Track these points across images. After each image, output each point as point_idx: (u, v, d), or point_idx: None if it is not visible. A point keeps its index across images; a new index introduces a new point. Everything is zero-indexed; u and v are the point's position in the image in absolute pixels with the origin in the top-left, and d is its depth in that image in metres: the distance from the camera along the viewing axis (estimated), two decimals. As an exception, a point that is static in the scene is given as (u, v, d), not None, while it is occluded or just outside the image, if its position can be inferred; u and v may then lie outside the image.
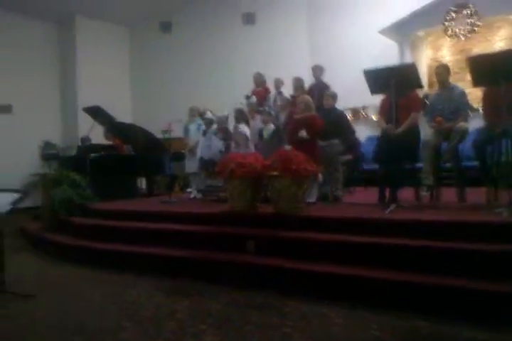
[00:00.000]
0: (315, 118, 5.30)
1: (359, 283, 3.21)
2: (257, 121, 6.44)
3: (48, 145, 10.43)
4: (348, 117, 8.33)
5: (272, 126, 5.78)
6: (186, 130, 7.32)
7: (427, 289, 2.95)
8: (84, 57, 11.51)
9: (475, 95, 7.33)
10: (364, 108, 9.85)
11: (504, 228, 3.26)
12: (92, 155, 7.32)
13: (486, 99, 4.65)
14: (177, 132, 7.33)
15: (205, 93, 10.52)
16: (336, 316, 2.89)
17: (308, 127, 5.19)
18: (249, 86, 7.45)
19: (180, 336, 2.65)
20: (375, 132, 7.63)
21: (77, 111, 10.51)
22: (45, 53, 11.41)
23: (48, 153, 10.10)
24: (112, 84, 11.88)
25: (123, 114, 10.22)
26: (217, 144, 6.42)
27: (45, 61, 11.40)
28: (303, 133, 5.13)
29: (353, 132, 7.21)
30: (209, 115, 6.83)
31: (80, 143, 9.03)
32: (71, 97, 11.46)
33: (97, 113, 8.19)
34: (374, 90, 4.73)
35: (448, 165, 5.05)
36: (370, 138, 8.82)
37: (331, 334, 2.61)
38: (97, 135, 8.73)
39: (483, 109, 4.74)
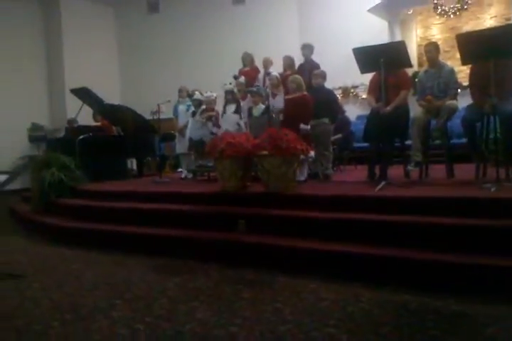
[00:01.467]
0: (307, 98, 5.29)
1: (349, 259, 3.24)
2: (247, 101, 6.41)
3: (35, 127, 10.32)
4: (338, 96, 8.33)
5: (262, 106, 5.75)
6: (175, 111, 7.28)
7: (417, 264, 2.99)
8: (70, 38, 11.34)
9: (464, 73, 7.33)
10: (354, 87, 9.84)
11: (492, 203, 3.30)
12: (81, 136, 7.25)
13: (474, 76, 4.66)
14: (166, 113, 7.29)
15: (194, 73, 10.42)
16: (326, 291, 2.92)
17: (301, 108, 5.19)
18: (238, 66, 7.38)
19: (172, 313, 2.68)
20: (365, 111, 7.64)
21: (64, 93, 10.37)
22: (31, 35, 11.20)
23: (36, 135, 10.02)
24: (100, 65, 11.73)
25: (111, 95, 10.10)
26: (208, 125, 6.38)
27: (31, 42, 11.19)
28: (303, 126, 5.13)
29: (343, 111, 7.22)
30: (198, 96, 6.78)
31: (67, 125, 8.94)
32: (58, 79, 11.29)
33: (84, 94, 8.08)
34: (363, 69, 4.71)
35: (437, 142, 5.09)
36: (360, 117, 8.85)
37: (321, 308, 2.65)
38: (86, 117, 8.66)
39: (470, 86, 4.75)
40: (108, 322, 2.57)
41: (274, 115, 5.69)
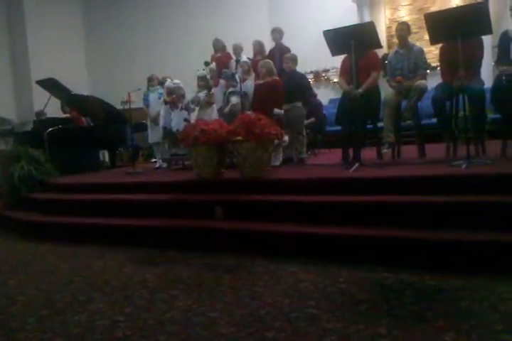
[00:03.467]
0: (277, 83, 5.26)
1: (326, 241, 3.27)
2: (220, 87, 6.36)
3: (1, 121, 10.03)
4: (310, 80, 8.32)
5: (237, 90, 5.72)
6: (146, 100, 7.16)
7: (392, 242, 3.03)
8: (34, 24, 10.94)
9: (433, 54, 7.42)
10: (325, 71, 9.85)
11: (463, 180, 3.36)
12: (49, 129, 7.08)
13: (443, 55, 4.71)
14: (137, 103, 7.16)
15: (165, 61, 10.29)
16: (304, 273, 2.95)
17: (272, 93, 5.16)
18: (209, 52, 7.29)
19: (151, 303, 2.65)
20: (337, 95, 7.65)
21: (31, 85, 10.07)
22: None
23: (3, 129, 9.74)
24: (67, 55, 11.44)
25: (79, 86, 9.88)
26: (181, 113, 6.31)
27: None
28: (276, 111, 5.11)
29: (314, 95, 7.23)
30: (170, 83, 6.67)
31: (35, 118, 8.72)
32: (23, 69, 10.96)
33: (51, 86, 7.87)
34: (334, 51, 4.71)
35: (408, 122, 5.14)
36: (332, 101, 8.88)
37: (300, 290, 2.66)
38: (54, 109, 8.45)
39: (440, 65, 4.80)
40: (87, 315, 2.53)
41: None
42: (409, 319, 2.15)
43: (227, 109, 5.91)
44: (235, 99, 5.76)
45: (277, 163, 5.15)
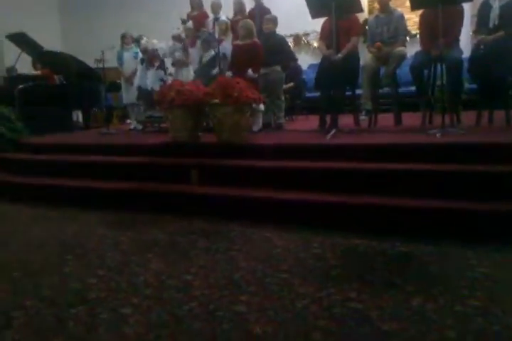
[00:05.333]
0: (257, 46, 5.13)
1: (301, 207, 3.30)
2: (197, 48, 6.19)
3: (-31, 76, 9.62)
4: (290, 44, 8.16)
5: (212, 52, 5.57)
6: (120, 59, 6.92)
7: (364, 209, 3.08)
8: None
9: (413, 21, 7.33)
10: (305, 35, 9.67)
11: (437, 148, 3.40)
12: (20, 86, 6.83)
13: (423, 22, 4.67)
14: (112, 61, 6.93)
15: (140, 19, 9.94)
16: (279, 239, 2.98)
17: (251, 56, 5.05)
18: (185, 10, 7.04)
19: (125, 265, 2.66)
20: (317, 60, 7.55)
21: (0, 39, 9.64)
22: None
23: (-29, 86, 9.35)
24: (38, 9, 10.90)
25: (51, 42, 9.46)
26: (157, 72, 6.15)
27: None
28: (250, 73, 5.00)
29: (295, 59, 7.12)
30: (145, 42, 6.46)
31: (5, 74, 8.39)
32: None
33: (22, 40, 7.54)
34: (314, 14, 4.61)
35: (386, 89, 5.14)
36: (311, 66, 8.76)
37: (274, 254, 2.70)
38: (24, 65, 8.13)
39: (419, 33, 4.76)
40: (59, 277, 2.53)
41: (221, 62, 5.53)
42: (379, 284, 2.21)
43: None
44: (214, 72, 5.57)
45: (256, 129, 5.11)
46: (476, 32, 4.70)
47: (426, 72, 4.64)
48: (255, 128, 5.10)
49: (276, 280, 2.33)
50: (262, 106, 5.10)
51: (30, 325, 1.99)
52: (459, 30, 4.52)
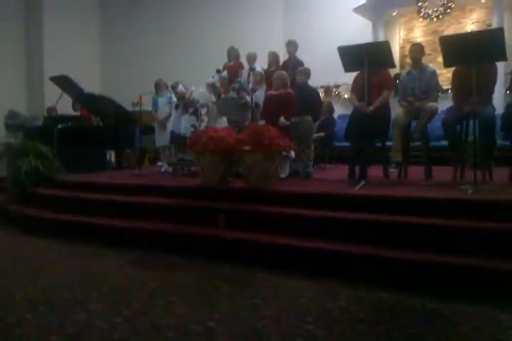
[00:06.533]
0: (291, 96, 5.28)
1: (327, 257, 3.27)
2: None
3: (12, 114, 10.05)
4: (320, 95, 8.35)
5: (247, 99, 5.75)
6: (155, 104, 7.18)
7: (394, 263, 3.03)
8: (51, 24, 11.06)
9: (444, 77, 7.44)
10: (336, 86, 9.89)
11: (469, 204, 3.36)
12: (59, 125, 7.12)
13: (456, 79, 4.72)
14: (147, 105, 7.20)
15: (177, 66, 10.34)
16: (303, 289, 2.94)
17: (285, 105, 5.19)
18: (222, 60, 7.33)
19: (149, 307, 2.66)
20: (347, 111, 7.68)
21: (43, 81, 10.18)
22: (10, 18, 10.88)
23: (13, 123, 9.78)
24: (81, 54, 11.51)
25: (92, 85, 9.93)
26: (190, 118, 6.34)
27: (10, 27, 10.88)
28: (282, 120, 5.13)
29: (331, 110, 7.30)
30: (181, 88, 6.71)
31: (46, 114, 8.76)
32: (37, 66, 11.04)
33: (64, 83, 7.93)
34: (347, 67, 4.74)
35: (417, 143, 5.15)
36: (341, 117, 8.88)
37: (300, 305, 2.66)
38: (65, 106, 8.50)
39: (452, 89, 4.82)
40: (84, 314, 2.54)
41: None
42: (407, 342, 2.15)
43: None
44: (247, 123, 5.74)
45: (283, 176, 5.15)
46: (509, 90, 4.74)
47: (458, 127, 4.66)
48: (283, 175, 5.14)
49: (301, 332, 2.28)
50: (293, 154, 5.16)
51: (53, 363, 1.99)
52: (493, 88, 4.57)
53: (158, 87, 7.13)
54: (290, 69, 6.19)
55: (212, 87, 6.31)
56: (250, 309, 2.61)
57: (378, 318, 2.44)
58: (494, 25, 7.81)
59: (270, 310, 2.58)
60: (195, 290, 2.95)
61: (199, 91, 6.45)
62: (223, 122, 6.16)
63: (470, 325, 2.32)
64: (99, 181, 5.56)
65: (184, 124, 6.39)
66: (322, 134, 6.65)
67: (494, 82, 4.59)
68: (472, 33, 4.91)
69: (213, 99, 6.33)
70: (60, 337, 2.23)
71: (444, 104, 5.09)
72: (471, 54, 4.01)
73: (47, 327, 2.37)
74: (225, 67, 7.11)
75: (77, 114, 8.32)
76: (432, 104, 4.86)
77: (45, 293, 2.93)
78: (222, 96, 6.06)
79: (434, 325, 2.34)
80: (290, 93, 5.31)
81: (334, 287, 2.94)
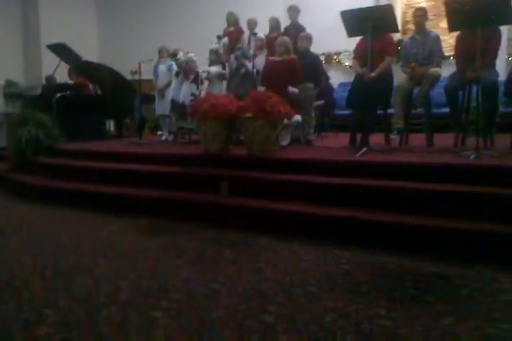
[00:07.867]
0: (295, 62, 5.19)
1: (329, 222, 3.30)
2: (231, 63, 6.29)
3: (10, 83, 9.95)
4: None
5: (248, 67, 5.67)
6: (156, 71, 7.09)
7: (395, 228, 3.06)
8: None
9: (447, 43, 7.30)
10: (337, 53, 9.73)
11: (470, 170, 3.37)
12: (59, 94, 7.05)
13: (460, 44, 4.65)
14: (146, 74, 7.10)
15: (177, 33, 10.14)
16: (306, 253, 2.98)
17: (289, 71, 5.10)
18: (221, 26, 7.19)
19: (155, 271, 2.70)
20: (348, 78, 7.60)
21: (40, 49, 10.00)
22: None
23: (11, 92, 9.69)
24: (78, 22, 11.27)
25: (89, 53, 9.75)
26: (190, 86, 6.27)
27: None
28: (292, 89, 5.05)
29: (327, 78, 7.18)
30: (181, 55, 6.61)
31: (44, 82, 8.66)
32: (34, 35, 10.82)
33: (62, 51, 7.80)
34: (351, 32, 4.66)
35: (419, 110, 5.12)
36: (342, 85, 8.79)
37: (302, 268, 2.70)
38: (63, 74, 8.39)
39: (455, 55, 4.75)
40: (90, 279, 2.58)
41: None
42: (408, 302, 2.19)
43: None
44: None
45: (285, 143, 5.14)
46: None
47: (461, 93, 4.62)
48: (284, 142, 5.13)
49: (304, 293, 2.33)
50: (299, 117, 5.10)
51: (62, 322, 2.03)
52: (496, 53, 4.49)
53: (161, 53, 7.02)
54: (292, 36, 6.08)
55: (215, 53, 6.21)
56: (254, 272, 2.65)
57: (380, 281, 2.49)
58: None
59: (274, 273, 2.62)
60: (199, 255, 2.99)
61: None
62: (223, 89, 6.10)
63: (471, 287, 2.37)
64: (100, 149, 5.56)
65: (184, 93, 6.32)
66: (322, 102, 6.59)
67: (498, 47, 4.51)
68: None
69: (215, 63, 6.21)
70: (69, 300, 2.28)
71: (446, 71, 5.02)
72: (477, 17, 3.94)
73: (54, 290, 2.42)
74: (225, 33, 6.99)
75: (74, 82, 8.22)
76: (434, 70, 4.80)
77: (51, 257, 2.98)
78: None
79: (436, 287, 2.38)
80: (294, 59, 5.21)
81: (337, 252, 2.98)
